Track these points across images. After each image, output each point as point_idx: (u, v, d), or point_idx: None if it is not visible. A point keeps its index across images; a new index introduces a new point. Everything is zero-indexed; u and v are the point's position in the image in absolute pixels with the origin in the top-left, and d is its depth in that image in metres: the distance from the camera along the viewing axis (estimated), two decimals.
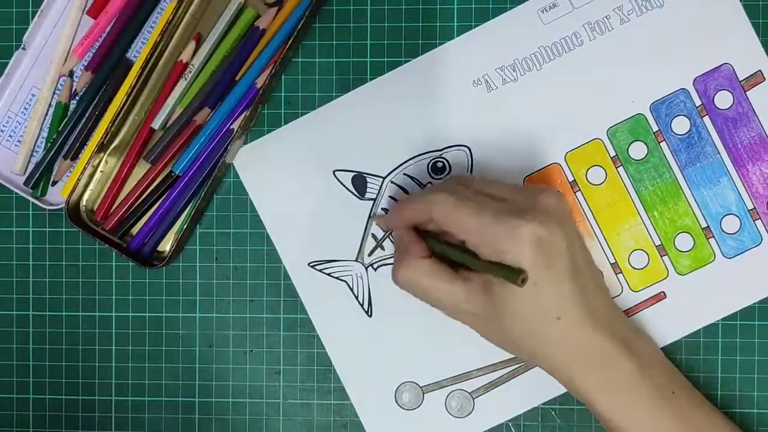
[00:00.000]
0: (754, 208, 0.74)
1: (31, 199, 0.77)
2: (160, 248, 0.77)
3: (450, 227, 0.66)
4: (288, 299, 0.77)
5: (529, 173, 0.76)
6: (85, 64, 0.77)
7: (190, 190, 0.76)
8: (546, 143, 0.76)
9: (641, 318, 0.75)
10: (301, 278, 0.77)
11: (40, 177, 0.77)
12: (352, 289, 0.77)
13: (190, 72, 0.76)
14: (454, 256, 0.67)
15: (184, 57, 0.76)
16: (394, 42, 0.76)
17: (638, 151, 0.75)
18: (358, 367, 0.77)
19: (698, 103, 0.75)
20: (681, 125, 0.75)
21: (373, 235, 0.77)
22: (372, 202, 0.77)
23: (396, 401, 0.76)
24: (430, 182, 0.76)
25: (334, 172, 0.77)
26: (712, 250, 0.75)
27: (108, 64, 0.77)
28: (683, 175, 0.75)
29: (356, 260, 0.77)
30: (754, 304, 0.74)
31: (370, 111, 0.77)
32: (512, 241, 0.62)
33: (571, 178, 0.75)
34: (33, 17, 0.77)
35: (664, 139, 0.75)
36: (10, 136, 0.78)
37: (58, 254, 0.78)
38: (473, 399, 0.76)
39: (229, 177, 0.77)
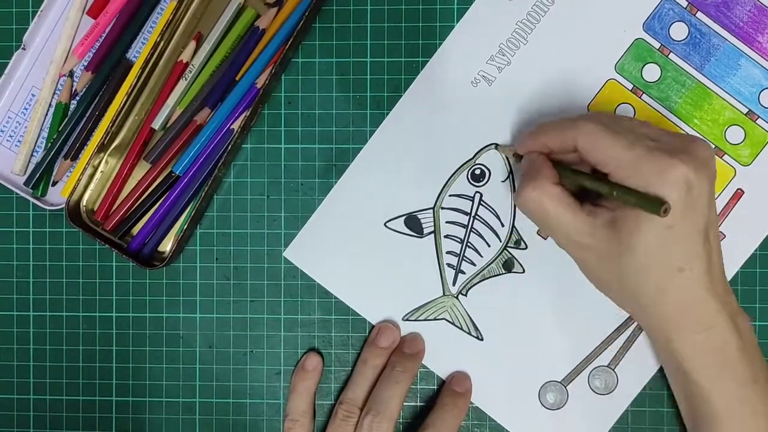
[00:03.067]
0: None
1: (32, 200, 0.77)
2: (160, 248, 0.77)
3: (595, 157, 0.65)
4: (288, 299, 0.77)
5: None
6: (85, 64, 0.77)
7: (191, 191, 0.76)
8: (564, 107, 0.76)
9: (729, 223, 0.75)
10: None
11: (41, 177, 0.77)
12: (453, 323, 0.77)
13: (191, 72, 0.76)
14: (588, 184, 0.66)
15: (185, 57, 0.76)
16: (393, 42, 0.77)
17: (652, 73, 0.75)
18: (498, 388, 0.77)
19: (685, 3, 0.75)
20: (679, 31, 0.75)
21: (449, 265, 0.76)
22: (432, 234, 0.77)
23: (541, 403, 0.77)
24: (477, 192, 0.76)
25: (384, 224, 0.77)
26: (763, 128, 0.75)
27: (108, 65, 0.77)
28: (704, 75, 0.75)
29: (444, 294, 0.77)
30: None
31: (389, 155, 0.77)
32: (662, 179, 0.61)
33: None
34: (33, 17, 0.77)
35: (671, 51, 0.75)
36: (10, 136, 0.78)
37: (58, 255, 0.79)
38: (613, 369, 0.76)
39: (229, 177, 0.77)
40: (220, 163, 0.74)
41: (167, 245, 0.77)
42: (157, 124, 0.76)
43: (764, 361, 0.69)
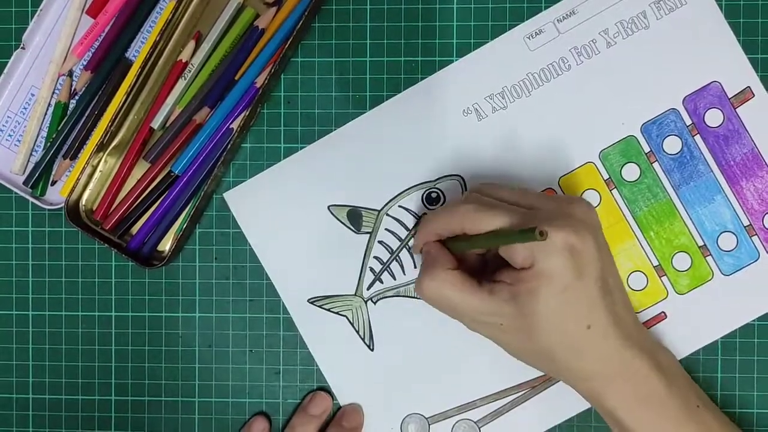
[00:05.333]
0: (750, 224, 0.75)
1: (31, 199, 0.77)
2: (159, 248, 0.77)
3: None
4: None
5: None
6: (85, 63, 0.77)
7: (190, 190, 0.76)
8: (539, 169, 0.76)
9: None
10: (301, 315, 0.77)
11: (40, 177, 0.77)
12: (352, 324, 0.77)
13: (190, 71, 0.76)
14: (481, 244, 0.66)
15: (184, 56, 0.76)
16: (393, 41, 0.77)
17: (631, 172, 0.76)
18: (363, 401, 0.77)
19: (689, 122, 0.75)
20: (672, 145, 0.75)
21: (371, 269, 0.77)
22: (368, 235, 0.77)
23: (401, 429, 0.77)
24: (425, 213, 0.76)
25: (328, 207, 0.77)
26: (710, 268, 0.75)
27: (107, 64, 0.77)
28: (677, 195, 0.75)
29: (355, 294, 0.77)
30: (753, 321, 0.75)
31: (361, 145, 0.77)
32: (544, 247, 0.62)
33: None
34: (32, 17, 0.77)
35: (657, 160, 0.75)
36: (9, 135, 0.78)
37: (57, 254, 0.78)
38: (479, 428, 0.76)
39: (228, 176, 0.77)
40: (219, 162, 0.74)
41: (166, 244, 0.77)
42: (156, 124, 0.76)
43: (694, 387, 0.71)
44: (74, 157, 0.77)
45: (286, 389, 0.78)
